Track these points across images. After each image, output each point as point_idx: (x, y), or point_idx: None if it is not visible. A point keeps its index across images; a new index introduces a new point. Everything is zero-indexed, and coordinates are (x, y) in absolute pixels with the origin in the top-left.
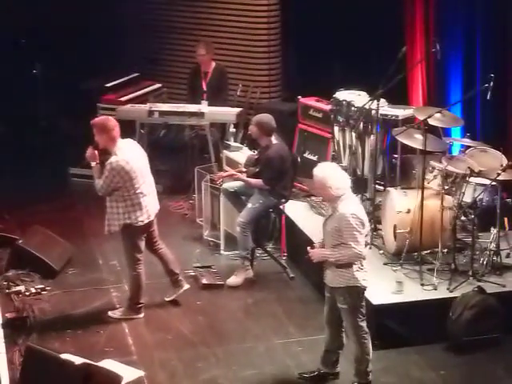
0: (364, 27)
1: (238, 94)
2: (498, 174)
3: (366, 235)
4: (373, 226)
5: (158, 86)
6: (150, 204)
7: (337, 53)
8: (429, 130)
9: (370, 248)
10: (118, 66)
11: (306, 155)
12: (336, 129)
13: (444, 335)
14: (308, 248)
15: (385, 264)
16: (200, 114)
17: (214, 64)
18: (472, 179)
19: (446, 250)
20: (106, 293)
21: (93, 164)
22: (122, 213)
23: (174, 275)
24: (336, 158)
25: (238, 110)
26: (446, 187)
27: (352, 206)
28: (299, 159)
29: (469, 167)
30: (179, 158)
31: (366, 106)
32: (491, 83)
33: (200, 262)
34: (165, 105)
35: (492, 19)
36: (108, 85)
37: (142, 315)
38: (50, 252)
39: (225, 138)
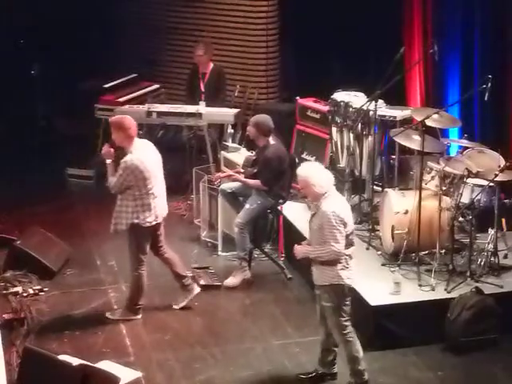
0: (362, 28)
1: (236, 94)
2: (496, 175)
3: (350, 234)
4: (371, 227)
5: (156, 86)
6: (159, 206)
7: (335, 54)
8: (426, 130)
9: (368, 249)
10: (116, 66)
11: (303, 156)
12: (334, 130)
13: (442, 336)
14: (295, 245)
15: (383, 265)
16: (198, 115)
17: (212, 65)
18: (470, 180)
19: (443, 251)
20: (104, 293)
21: (108, 161)
22: (131, 212)
23: (182, 278)
24: (334, 159)
25: (235, 110)
26: (444, 188)
27: (334, 204)
28: (297, 160)
29: (466, 168)
30: (177, 158)
31: (364, 107)
32: (489, 84)
33: (198, 263)
34: (163, 105)
35: (490, 20)
36: (106, 85)
37: (139, 316)
38: (48, 253)
39: (223, 138)
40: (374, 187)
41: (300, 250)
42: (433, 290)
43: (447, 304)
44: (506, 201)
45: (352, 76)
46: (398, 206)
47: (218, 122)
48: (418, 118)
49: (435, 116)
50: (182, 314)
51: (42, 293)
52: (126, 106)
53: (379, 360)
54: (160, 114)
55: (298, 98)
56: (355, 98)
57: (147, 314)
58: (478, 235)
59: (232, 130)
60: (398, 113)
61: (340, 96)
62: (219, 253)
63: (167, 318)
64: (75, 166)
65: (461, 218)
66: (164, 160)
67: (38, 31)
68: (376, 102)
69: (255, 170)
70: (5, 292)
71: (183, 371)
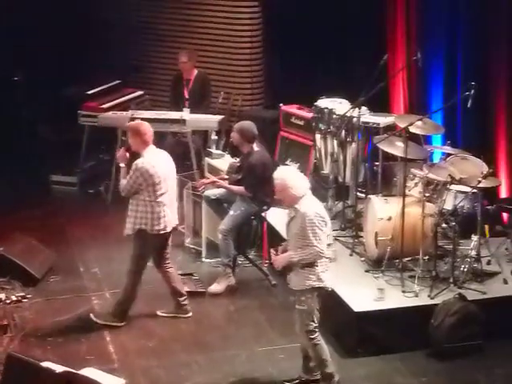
0: (346, 35)
1: (220, 101)
2: (479, 182)
3: (328, 235)
4: (354, 234)
5: (140, 93)
6: (168, 216)
7: (318, 61)
8: (410, 137)
9: (352, 255)
10: (100, 73)
11: (287, 162)
12: (318, 136)
13: (426, 342)
14: (272, 254)
15: (366, 271)
16: (182, 121)
17: (196, 71)
18: (453, 186)
19: (427, 257)
20: (88, 301)
21: (122, 165)
22: (140, 217)
23: (179, 296)
24: (318, 166)
25: (220, 117)
26: (427, 194)
27: (314, 205)
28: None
29: (450, 175)
30: None
31: (348, 114)
32: (472, 91)
33: (182, 270)
34: (146, 112)
35: (474, 28)
36: (90, 92)
37: (123, 323)
38: (31, 260)
39: (207, 145)
40: (358, 194)
41: (280, 259)
42: (416, 296)
43: (431, 310)
44: (488, 207)
45: (335, 83)
46: (381, 212)
47: (202, 128)
48: (402, 125)
49: (418, 123)
50: (167, 321)
51: (26, 300)
52: (110, 113)
53: (363, 366)
54: (143, 120)
55: (281, 104)
56: (339, 105)
57: (131, 321)
58: (461, 241)
59: (216, 137)
60: (382, 119)
61: (324, 103)
62: (203, 259)
63: (151, 325)
64: (59, 173)
65: (444, 225)
66: None
67: (22, 37)
68: (359, 108)
69: (239, 177)
70: None
71: (168, 378)
